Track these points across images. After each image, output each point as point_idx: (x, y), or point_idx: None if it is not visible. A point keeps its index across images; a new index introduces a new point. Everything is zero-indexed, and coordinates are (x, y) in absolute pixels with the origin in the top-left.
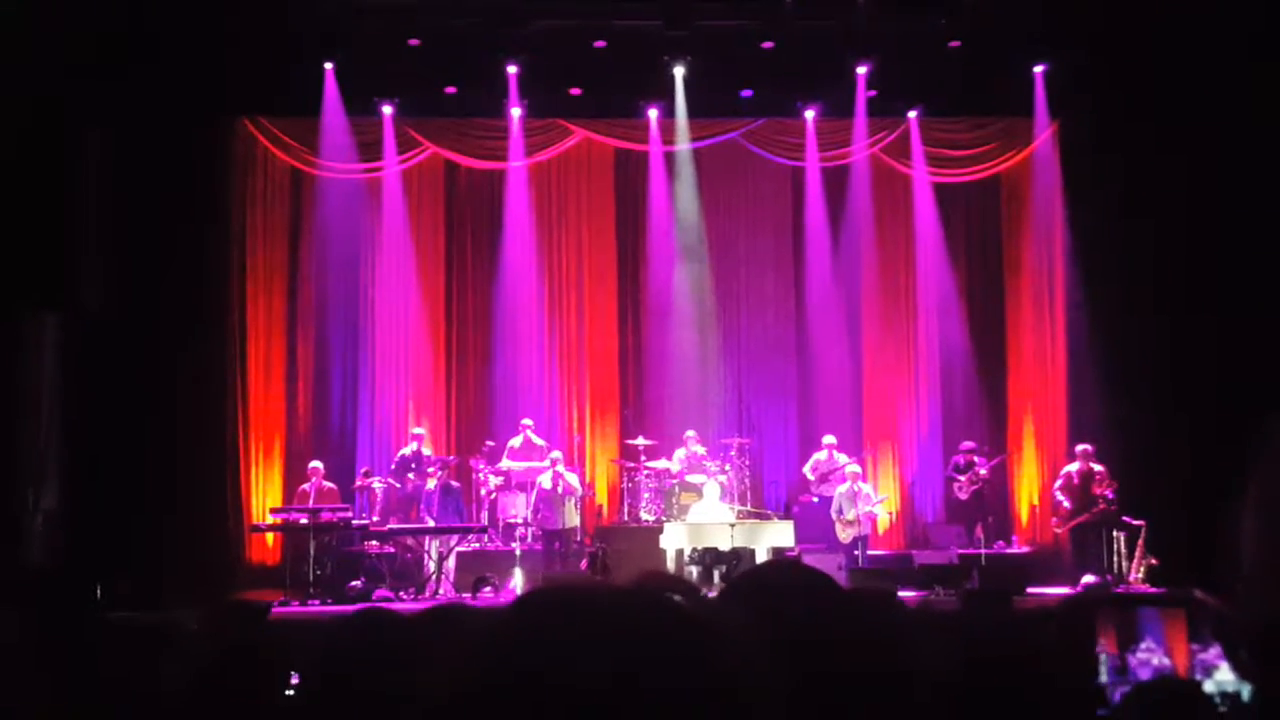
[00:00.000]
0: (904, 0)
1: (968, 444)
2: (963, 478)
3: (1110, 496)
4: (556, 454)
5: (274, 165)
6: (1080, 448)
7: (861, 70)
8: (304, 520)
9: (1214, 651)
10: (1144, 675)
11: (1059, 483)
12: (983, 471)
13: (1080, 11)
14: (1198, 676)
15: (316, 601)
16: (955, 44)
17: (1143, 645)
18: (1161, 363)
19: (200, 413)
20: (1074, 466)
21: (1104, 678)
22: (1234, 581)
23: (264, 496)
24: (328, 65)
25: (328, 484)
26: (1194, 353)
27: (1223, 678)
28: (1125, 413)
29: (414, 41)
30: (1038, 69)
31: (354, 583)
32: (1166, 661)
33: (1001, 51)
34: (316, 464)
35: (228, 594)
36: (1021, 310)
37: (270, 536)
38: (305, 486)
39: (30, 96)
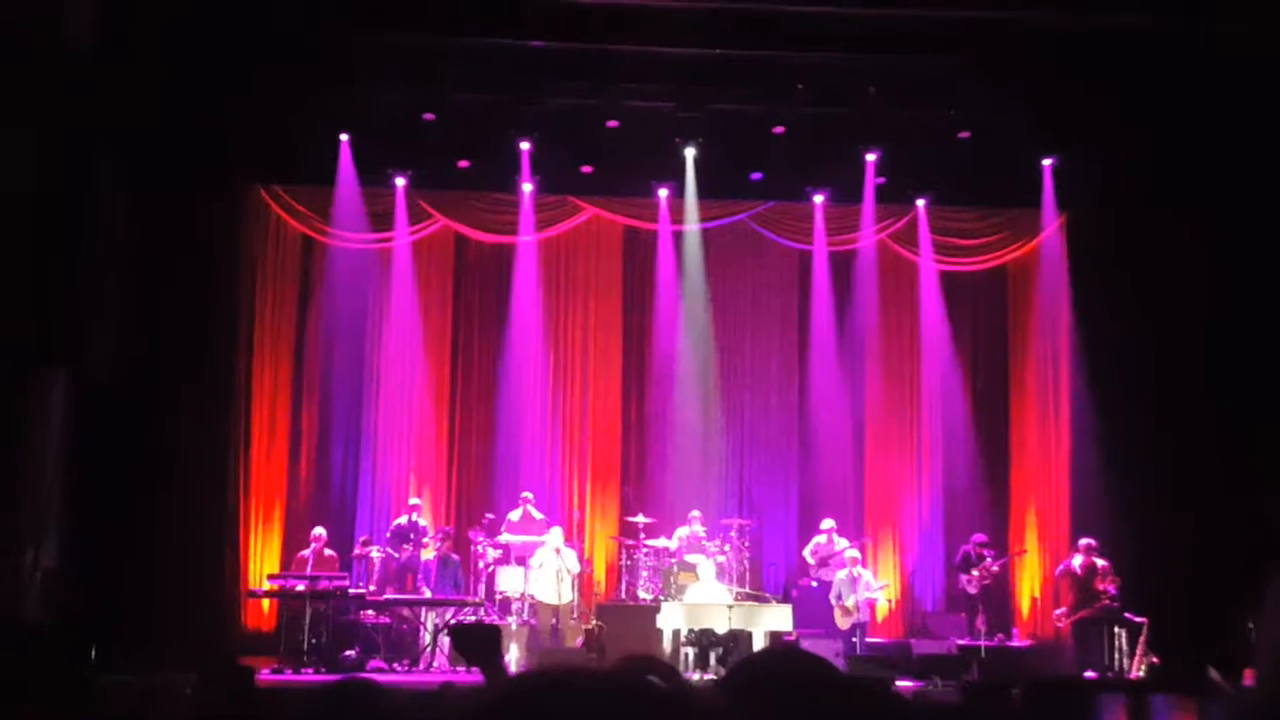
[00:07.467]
0: (914, 90)
1: (980, 536)
2: (975, 572)
3: (1113, 592)
4: (557, 530)
5: (286, 233)
6: (1083, 542)
7: (871, 157)
8: (300, 587)
9: None
10: None
11: (1059, 570)
12: (995, 568)
13: (1090, 106)
14: None
15: (310, 670)
16: (965, 134)
17: None
18: (1166, 459)
19: (202, 476)
20: (1077, 560)
21: None
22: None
23: (262, 562)
24: (344, 137)
25: (329, 551)
26: (1198, 450)
27: None
28: (1129, 508)
29: (428, 116)
30: (1046, 162)
31: (348, 652)
32: None
33: (1010, 143)
34: (320, 530)
35: (222, 659)
36: (1026, 401)
37: (266, 602)
38: (305, 553)
39: (49, 159)
